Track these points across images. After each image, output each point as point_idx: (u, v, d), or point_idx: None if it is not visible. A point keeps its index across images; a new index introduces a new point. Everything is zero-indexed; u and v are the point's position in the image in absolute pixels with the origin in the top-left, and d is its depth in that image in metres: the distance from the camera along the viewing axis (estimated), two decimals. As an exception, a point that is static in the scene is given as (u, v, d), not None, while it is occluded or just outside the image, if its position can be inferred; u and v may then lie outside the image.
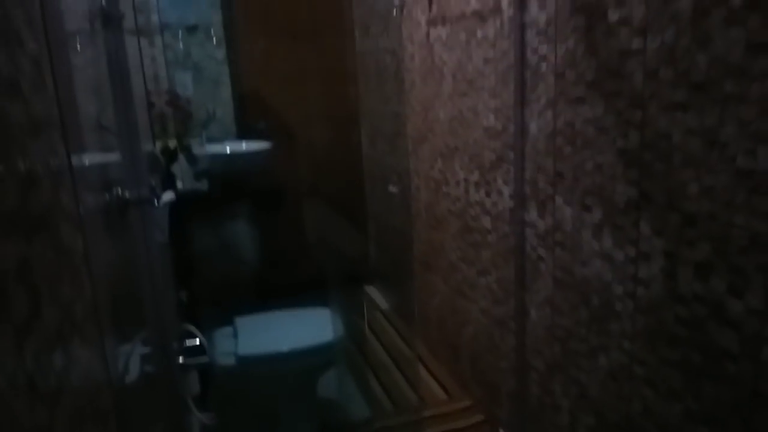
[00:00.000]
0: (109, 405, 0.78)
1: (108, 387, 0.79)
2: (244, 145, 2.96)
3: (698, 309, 1.09)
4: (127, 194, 1.02)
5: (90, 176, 0.91)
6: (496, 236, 1.82)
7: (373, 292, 3.17)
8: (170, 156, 2.60)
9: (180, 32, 3.01)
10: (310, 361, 1.97)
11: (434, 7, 2.13)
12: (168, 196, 1.55)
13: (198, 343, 1.82)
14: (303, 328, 2.04)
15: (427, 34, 2.22)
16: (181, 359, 1.73)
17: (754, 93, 0.94)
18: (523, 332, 1.73)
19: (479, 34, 1.82)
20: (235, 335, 2.02)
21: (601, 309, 1.36)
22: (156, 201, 1.11)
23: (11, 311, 0.47)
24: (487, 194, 1.85)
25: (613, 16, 1.23)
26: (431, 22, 2.17)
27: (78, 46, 0.96)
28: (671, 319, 1.16)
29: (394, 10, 2.53)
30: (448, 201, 2.15)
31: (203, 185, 2.51)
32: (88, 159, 0.89)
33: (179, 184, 2.38)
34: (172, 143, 2.82)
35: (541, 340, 1.64)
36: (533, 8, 1.52)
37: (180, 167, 2.48)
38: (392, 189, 2.65)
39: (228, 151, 2.88)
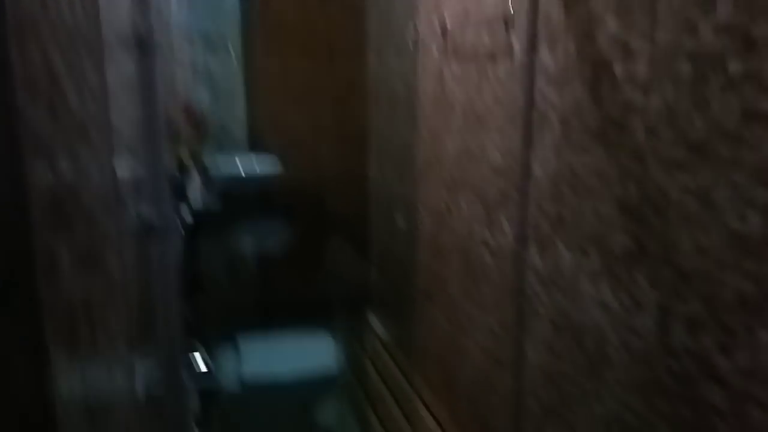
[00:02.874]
0: (136, 414, 0.83)
1: (135, 398, 0.84)
2: (256, 164, 3.01)
3: (689, 364, 1.11)
4: (153, 217, 1.06)
5: (126, 196, 0.96)
6: (498, 275, 1.84)
7: (374, 320, 3.19)
8: (183, 170, 2.65)
9: (199, 46, 3.07)
10: (310, 390, 1.99)
11: (449, 43, 2.18)
12: (186, 216, 1.59)
13: (203, 363, 1.85)
14: (305, 355, 2.07)
15: (440, 67, 2.27)
16: (186, 379, 1.76)
17: (747, 159, 0.97)
18: (521, 373, 1.74)
19: (490, 73, 1.86)
20: (239, 357, 2.05)
21: (597, 356, 1.38)
22: (182, 229, 1.14)
23: (79, 339, 0.52)
24: (491, 232, 1.88)
25: (619, 69, 1.27)
26: (444, 56, 2.21)
27: (118, 66, 1.02)
28: (663, 371, 1.17)
29: (409, 42, 2.58)
30: (452, 234, 2.18)
31: (215, 204, 2.56)
32: (125, 179, 0.94)
33: (191, 201, 2.43)
34: (185, 157, 2.88)
35: (538, 383, 1.65)
36: (544, 54, 1.56)
37: (193, 184, 2.52)
38: (399, 217, 2.67)
39: (240, 170, 2.93)
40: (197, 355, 1.84)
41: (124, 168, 0.94)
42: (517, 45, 1.68)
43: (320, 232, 3.20)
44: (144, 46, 1.28)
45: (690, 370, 1.11)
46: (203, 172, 2.73)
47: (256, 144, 3.10)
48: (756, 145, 0.96)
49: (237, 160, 2.99)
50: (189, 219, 1.87)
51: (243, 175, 2.92)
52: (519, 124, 1.68)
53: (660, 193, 1.16)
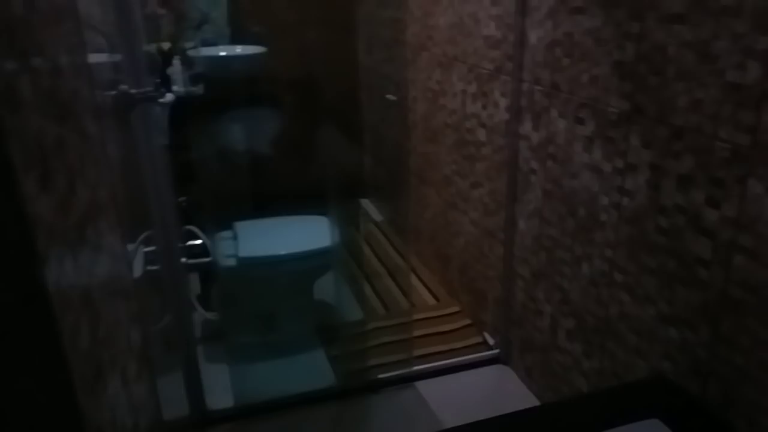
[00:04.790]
0: (130, 286, 0.84)
1: (127, 271, 0.85)
2: (239, 49, 2.90)
3: (677, 219, 1.14)
4: (132, 90, 1.03)
5: (101, 72, 0.93)
6: (491, 149, 1.84)
7: (368, 205, 3.23)
8: (165, 58, 2.55)
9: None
10: (307, 265, 2.04)
11: None
12: (168, 96, 1.55)
13: (201, 244, 1.89)
14: (301, 233, 2.10)
15: (430, -64, 2.13)
16: (184, 259, 1.80)
17: (748, 6, 0.94)
18: (512, 242, 1.79)
19: (483, -63, 1.75)
20: (235, 239, 2.08)
21: (587, 219, 1.42)
22: (162, 96, 1.12)
23: (56, 184, 0.51)
24: (484, 106, 1.86)
25: None
26: (434, -77, 2.07)
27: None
28: (652, 228, 1.21)
29: None
30: (445, 113, 2.15)
31: (199, 89, 2.49)
32: (98, 56, 0.91)
33: (175, 88, 2.36)
34: (166, 45, 2.76)
35: (528, 250, 1.71)
36: None
37: (175, 71, 2.44)
38: (390, 97, 2.63)
39: (223, 55, 2.83)
40: (194, 239, 1.87)
41: (95, 44, 0.90)
42: None
43: (311, 121, 3.15)
44: None
45: (678, 224, 1.14)
46: (184, 56, 2.63)
47: (239, 33, 2.97)
48: (761, -11, 0.92)
49: (219, 46, 2.88)
50: (171, 99, 1.82)
51: (225, 57, 2.82)
52: (514, -10, 1.61)
53: (658, 50, 1.13)
